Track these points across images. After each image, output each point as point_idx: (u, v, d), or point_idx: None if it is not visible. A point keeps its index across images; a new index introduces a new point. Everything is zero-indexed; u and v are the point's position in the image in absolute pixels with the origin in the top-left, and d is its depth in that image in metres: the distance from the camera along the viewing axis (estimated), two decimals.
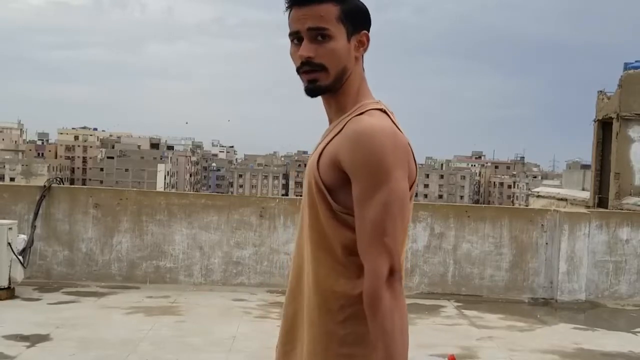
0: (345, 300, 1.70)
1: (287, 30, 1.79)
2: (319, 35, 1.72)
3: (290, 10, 1.76)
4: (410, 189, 1.72)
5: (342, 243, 1.70)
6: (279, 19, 1.80)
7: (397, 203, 1.64)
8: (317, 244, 1.73)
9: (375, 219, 1.62)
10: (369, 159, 1.63)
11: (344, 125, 1.72)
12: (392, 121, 1.73)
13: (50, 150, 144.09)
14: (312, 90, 1.77)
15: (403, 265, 1.71)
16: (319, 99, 1.82)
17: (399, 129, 1.72)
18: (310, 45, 1.72)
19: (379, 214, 1.62)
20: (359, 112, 1.73)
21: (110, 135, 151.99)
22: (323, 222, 1.71)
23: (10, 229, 7.00)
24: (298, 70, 1.76)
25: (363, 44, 1.78)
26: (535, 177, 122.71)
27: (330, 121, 1.84)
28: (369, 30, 1.80)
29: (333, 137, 1.73)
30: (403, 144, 1.68)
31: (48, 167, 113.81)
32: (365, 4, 1.81)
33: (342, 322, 1.70)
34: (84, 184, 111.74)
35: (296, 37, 1.75)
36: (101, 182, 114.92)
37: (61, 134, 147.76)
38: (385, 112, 1.75)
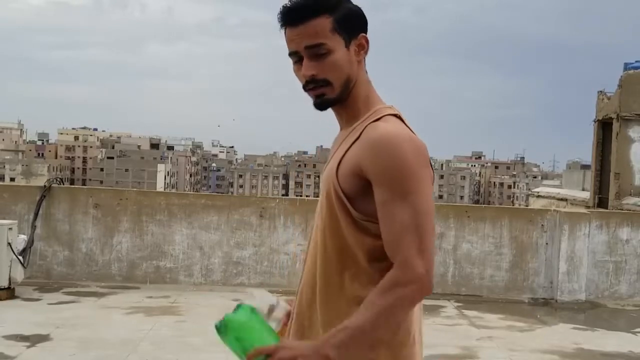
0: None
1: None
2: (318, 51, 1.70)
3: (285, 30, 1.74)
4: None
5: (363, 250, 1.69)
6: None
7: (429, 209, 1.64)
8: (339, 252, 1.72)
9: (409, 224, 1.61)
10: (392, 164, 1.61)
11: (361, 132, 1.70)
12: (408, 127, 1.72)
13: (50, 151, 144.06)
14: (320, 105, 1.76)
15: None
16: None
17: (415, 134, 1.72)
18: (310, 63, 1.71)
19: (412, 219, 1.61)
20: (374, 119, 1.72)
21: (110, 136, 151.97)
22: (344, 229, 1.70)
23: (10, 229, 7.00)
24: (304, 88, 1.76)
25: (363, 47, 1.76)
26: (535, 177, 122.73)
27: (342, 128, 1.83)
28: (366, 32, 1.77)
29: (351, 145, 1.71)
30: (422, 149, 1.68)
31: (48, 167, 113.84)
32: (364, 4, 1.79)
33: None
34: (84, 184, 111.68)
35: (296, 56, 1.74)
36: (101, 182, 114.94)
37: (61, 134, 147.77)
38: (399, 117, 1.74)
